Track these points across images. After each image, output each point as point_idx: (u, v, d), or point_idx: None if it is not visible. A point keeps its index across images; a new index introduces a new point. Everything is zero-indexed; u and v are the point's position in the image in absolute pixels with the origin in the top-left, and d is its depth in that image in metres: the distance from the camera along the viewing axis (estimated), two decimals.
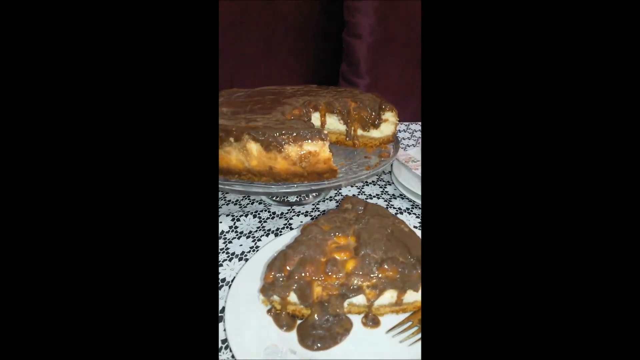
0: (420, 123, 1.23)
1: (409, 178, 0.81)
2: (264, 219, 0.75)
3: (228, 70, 1.31)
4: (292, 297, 0.49)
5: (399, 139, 1.15)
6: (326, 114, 0.81)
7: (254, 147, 0.61)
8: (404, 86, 1.31)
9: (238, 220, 0.75)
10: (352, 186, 0.86)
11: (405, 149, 1.06)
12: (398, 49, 1.27)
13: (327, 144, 0.62)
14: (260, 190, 0.64)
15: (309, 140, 0.61)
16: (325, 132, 0.62)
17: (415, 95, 1.32)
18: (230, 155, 0.63)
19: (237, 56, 1.32)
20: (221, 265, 0.63)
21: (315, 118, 0.81)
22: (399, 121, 0.81)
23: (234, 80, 1.31)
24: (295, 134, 0.61)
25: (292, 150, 0.61)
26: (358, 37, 1.27)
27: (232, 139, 0.62)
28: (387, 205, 0.80)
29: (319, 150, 0.62)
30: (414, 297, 0.50)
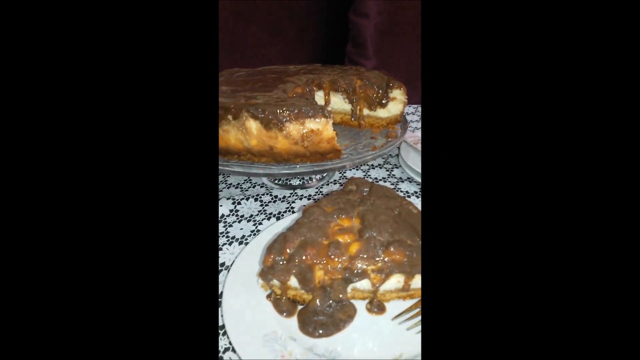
0: None
1: (418, 161, 0.78)
2: (265, 202, 0.72)
3: (233, 53, 1.27)
4: (293, 282, 0.46)
5: (409, 121, 1.11)
6: (330, 93, 0.77)
7: (253, 126, 0.58)
8: (413, 67, 1.26)
9: (239, 203, 0.72)
10: (357, 169, 0.83)
11: (414, 130, 1.02)
12: (407, 29, 1.22)
13: (330, 121, 0.59)
14: (261, 171, 0.61)
15: (312, 118, 0.58)
16: (329, 109, 0.59)
17: (419, 77, 1.27)
18: (229, 135, 0.60)
19: (242, 38, 1.28)
20: (221, 249, 0.60)
21: (319, 97, 0.77)
22: (407, 102, 0.77)
23: (238, 63, 1.27)
24: (297, 111, 0.57)
25: (294, 129, 0.58)
26: (365, 17, 1.22)
27: (230, 117, 0.59)
28: (395, 189, 0.76)
29: (322, 128, 0.58)
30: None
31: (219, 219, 0.68)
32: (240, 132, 0.59)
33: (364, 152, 0.67)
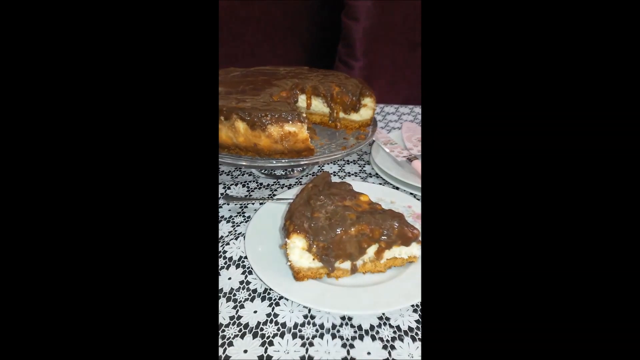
0: (410, 106, 1.29)
1: (385, 159, 0.90)
2: (251, 188, 0.85)
3: (226, 52, 1.37)
4: (307, 261, 0.57)
5: (387, 120, 1.23)
6: (312, 97, 0.89)
7: (241, 126, 0.70)
8: (397, 70, 1.36)
9: (229, 188, 0.85)
10: (334, 163, 0.95)
11: (390, 131, 1.14)
12: (393, 33, 1.32)
13: (305, 125, 0.71)
14: (246, 163, 0.73)
15: (290, 122, 0.70)
16: (304, 115, 0.71)
17: (407, 79, 1.38)
18: (221, 132, 0.72)
19: (235, 37, 1.38)
20: None
21: (302, 100, 0.89)
22: (375, 108, 0.88)
23: (231, 61, 1.37)
24: (277, 116, 0.69)
25: (274, 130, 0.70)
26: (355, 20, 1.32)
27: (222, 118, 0.71)
28: (363, 181, 0.89)
29: (297, 131, 0.70)
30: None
31: None
32: (230, 130, 0.71)
33: (336, 150, 0.80)
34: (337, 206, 0.61)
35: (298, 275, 0.57)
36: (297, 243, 0.56)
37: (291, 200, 0.70)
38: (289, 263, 0.57)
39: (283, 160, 0.73)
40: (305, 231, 0.56)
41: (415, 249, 0.60)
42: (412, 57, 1.35)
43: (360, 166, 0.95)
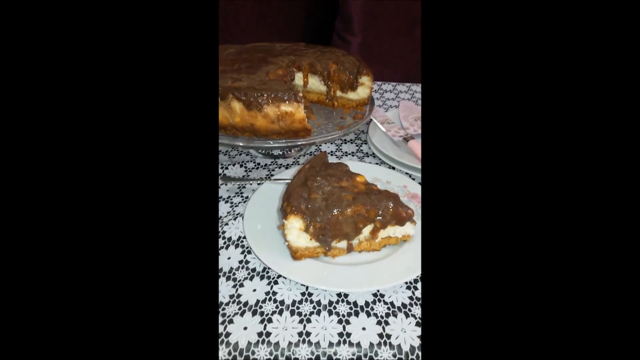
0: (407, 84, 1.28)
1: (382, 139, 0.90)
2: (249, 168, 0.86)
3: (221, 25, 1.34)
4: (304, 241, 0.58)
5: (385, 98, 1.22)
6: (309, 75, 0.88)
7: (237, 106, 0.70)
8: (395, 47, 1.34)
9: (226, 168, 0.85)
10: (331, 143, 0.95)
11: (387, 110, 1.13)
12: (392, 10, 1.29)
13: (302, 105, 0.70)
14: (243, 144, 0.73)
15: (286, 102, 0.69)
16: (301, 94, 0.70)
17: (405, 57, 1.36)
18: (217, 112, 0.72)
19: (229, 11, 1.35)
20: None
21: (299, 77, 0.88)
22: (373, 87, 0.88)
23: (225, 35, 1.35)
24: (273, 96, 0.69)
25: (271, 110, 0.70)
26: None
27: (218, 98, 0.70)
28: (360, 161, 0.89)
29: (294, 111, 0.70)
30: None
31: None
32: (227, 111, 0.71)
33: (333, 131, 0.80)
34: (334, 187, 0.61)
35: (296, 254, 0.58)
36: (295, 224, 0.57)
37: (289, 181, 0.71)
38: (286, 243, 0.58)
39: (280, 141, 0.73)
40: (302, 212, 0.57)
41: (409, 228, 0.61)
42: (411, 34, 1.32)
43: (357, 145, 0.95)
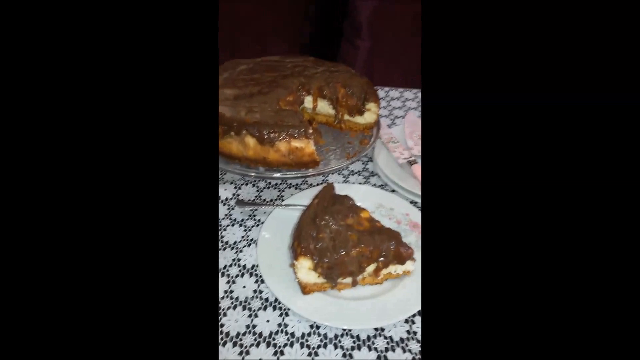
0: (414, 91, 1.30)
1: (387, 159, 0.94)
2: (261, 188, 0.90)
3: (228, 28, 1.34)
4: (313, 278, 0.64)
5: (392, 107, 1.24)
6: (318, 99, 0.91)
7: (251, 141, 0.74)
8: (404, 52, 1.34)
9: (239, 188, 0.90)
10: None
11: (393, 121, 1.16)
12: (401, 15, 1.29)
13: (311, 141, 0.74)
14: (254, 174, 0.78)
15: (297, 138, 0.73)
16: (310, 131, 0.74)
17: (414, 62, 1.36)
18: (232, 145, 0.76)
19: (239, 12, 1.34)
20: (225, 229, 0.80)
21: (308, 101, 0.91)
22: (379, 113, 0.91)
23: (233, 41, 1.35)
24: (285, 133, 0.73)
25: (282, 146, 0.74)
26: None
27: (233, 133, 0.75)
28: (365, 181, 0.93)
29: (304, 146, 0.74)
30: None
31: (224, 202, 0.86)
32: (241, 145, 0.75)
33: (341, 155, 0.84)
34: (341, 225, 0.67)
35: (305, 289, 0.65)
36: (304, 264, 0.62)
37: (299, 207, 0.76)
38: (297, 280, 0.64)
39: (291, 172, 0.78)
40: (311, 252, 0.63)
41: (409, 265, 0.67)
42: (420, 40, 1.32)
43: (363, 163, 0.99)
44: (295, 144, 0.74)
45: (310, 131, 0.74)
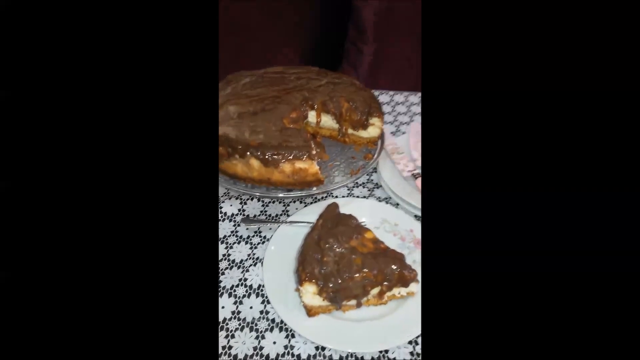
0: (419, 95, 1.28)
1: (392, 172, 0.94)
2: (266, 202, 0.91)
3: (232, 33, 1.33)
4: (318, 301, 0.65)
5: (397, 112, 1.24)
6: (321, 113, 0.91)
7: (255, 163, 0.75)
8: (409, 56, 1.33)
9: (245, 203, 0.91)
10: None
11: (398, 128, 1.16)
12: (406, 18, 1.27)
13: (315, 162, 0.75)
14: (259, 193, 0.79)
15: (300, 160, 0.74)
16: (314, 152, 0.74)
17: (418, 66, 1.34)
18: (237, 167, 0.77)
19: (242, 16, 1.33)
20: (231, 247, 0.81)
21: (312, 115, 0.91)
22: (383, 128, 0.91)
23: (237, 46, 1.34)
24: (289, 155, 0.74)
25: (286, 167, 0.75)
26: (364, 0, 1.26)
27: (237, 155, 0.75)
28: (370, 194, 0.94)
29: (308, 167, 0.75)
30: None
31: (230, 218, 0.88)
32: (246, 166, 0.76)
33: (345, 170, 0.85)
34: (345, 248, 0.68)
35: (310, 312, 0.66)
36: (309, 289, 0.64)
37: (304, 224, 0.77)
38: (302, 303, 0.66)
39: (295, 192, 0.79)
40: (316, 278, 0.64)
41: (413, 287, 0.68)
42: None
43: (368, 174, 0.99)
44: (299, 165, 0.74)
45: (314, 152, 0.74)
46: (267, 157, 0.73)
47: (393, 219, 0.84)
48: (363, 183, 0.97)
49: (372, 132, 0.91)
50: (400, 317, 0.66)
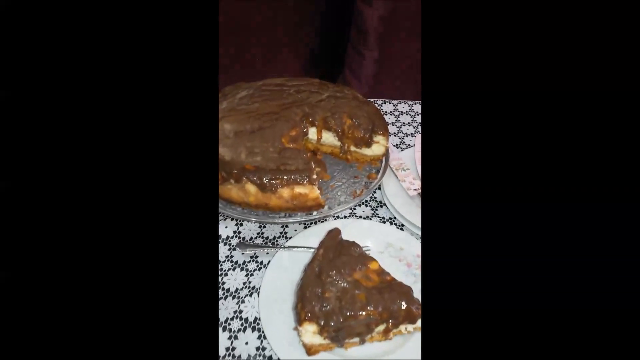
0: None
1: (396, 189, 0.89)
2: (263, 224, 0.87)
3: (232, 33, 1.28)
4: (318, 340, 0.61)
5: (401, 123, 1.19)
6: (322, 130, 0.86)
7: (252, 189, 0.70)
8: (413, 62, 1.27)
9: (241, 224, 0.86)
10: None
11: (402, 141, 1.11)
12: (410, 23, 1.21)
13: (315, 186, 0.70)
14: (255, 219, 0.74)
15: (300, 184, 0.69)
16: (315, 176, 0.70)
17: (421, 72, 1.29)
18: (232, 192, 0.72)
19: (241, 20, 1.28)
20: (226, 274, 0.77)
21: (312, 132, 0.86)
22: (387, 146, 0.86)
23: (238, 50, 1.29)
24: (288, 179, 0.69)
25: (285, 192, 0.70)
26: (369, 5, 1.20)
27: (232, 181, 0.70)
28: (373, 213, 0.89)
29: (308, 192, 0.70)
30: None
31: (225, 241, 0.83)
32: (241, 191, 0.71)
33: (347, 190, 0.80)
34: (348, 282, 0.63)
35: (310, 351, 0.62)
36: (309, 329, 0.59)
37: (303, 250, 0.73)
38: (301, 342, 0.61)
39: (295, 216, 0.74)
40: (316, 317, 0.59)
41: (419, 323, 0.63)
42: None
43: (371, 193, 0.95)
44: (299, 190, 0.70)
45: (315, 176, 0.69)
46: (264, 181, 0.69)
47: (398, 242, 0.79)
48: (366, 201, 0.92)
49: (376, 150, 0.86)
50: (406, 354, 0.62)
